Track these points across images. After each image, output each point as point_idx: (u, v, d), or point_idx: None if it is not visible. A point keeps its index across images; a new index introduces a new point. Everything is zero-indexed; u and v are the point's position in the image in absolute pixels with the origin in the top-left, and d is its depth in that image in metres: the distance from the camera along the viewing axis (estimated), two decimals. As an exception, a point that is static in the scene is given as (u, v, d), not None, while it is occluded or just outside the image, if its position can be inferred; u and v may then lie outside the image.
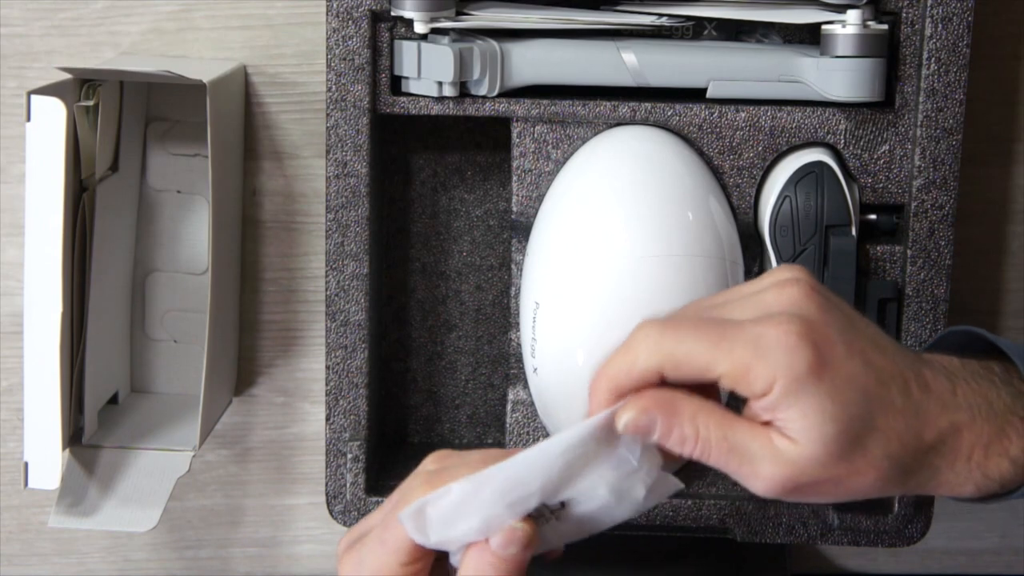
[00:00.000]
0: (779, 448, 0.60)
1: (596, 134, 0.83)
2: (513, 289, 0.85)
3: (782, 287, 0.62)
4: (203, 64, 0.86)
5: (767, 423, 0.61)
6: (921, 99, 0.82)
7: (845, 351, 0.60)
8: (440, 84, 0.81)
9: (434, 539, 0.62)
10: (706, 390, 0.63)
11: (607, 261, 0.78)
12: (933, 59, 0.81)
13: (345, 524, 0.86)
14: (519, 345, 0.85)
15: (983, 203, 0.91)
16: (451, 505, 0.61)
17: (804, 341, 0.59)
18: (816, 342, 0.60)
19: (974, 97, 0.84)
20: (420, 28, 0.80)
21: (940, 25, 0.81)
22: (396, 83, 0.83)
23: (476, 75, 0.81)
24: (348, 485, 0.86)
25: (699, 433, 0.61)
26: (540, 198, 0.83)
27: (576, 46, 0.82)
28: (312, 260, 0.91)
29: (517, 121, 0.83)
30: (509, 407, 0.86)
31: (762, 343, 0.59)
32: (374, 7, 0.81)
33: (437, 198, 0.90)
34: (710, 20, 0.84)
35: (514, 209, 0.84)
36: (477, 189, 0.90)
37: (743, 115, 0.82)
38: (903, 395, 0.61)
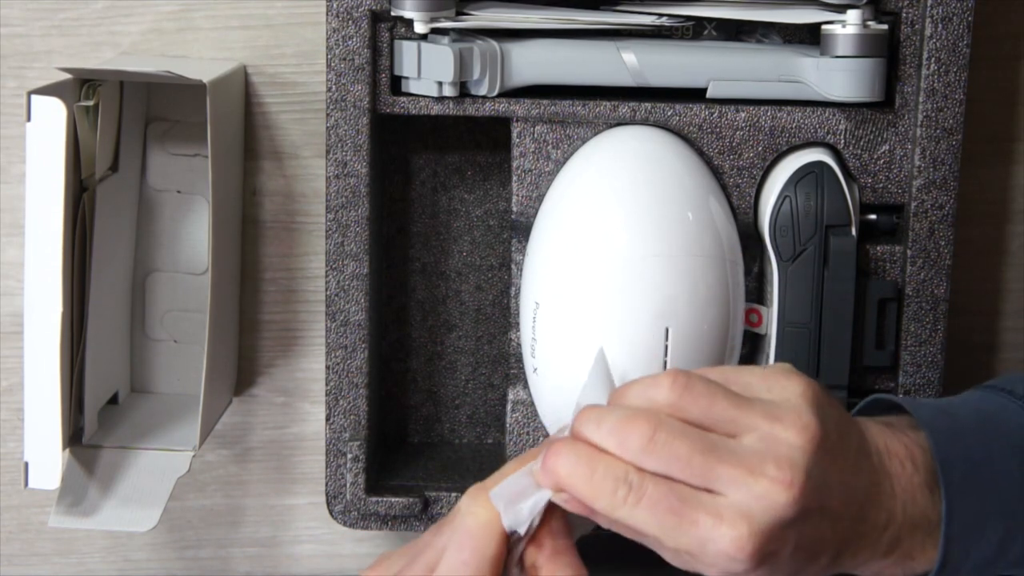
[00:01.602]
0: None
1: (596, 134, 0.83)
2: (513, 289, 0.85)
3: (774, 472, 0.61)
4: (203, 64, 0.86)
5: None
6: (921, 99, 0.82)
7: (793, 550, 0.62)
8: (440, 84, 0.81)
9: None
10: None
11: (607, 261, 0.79)
12: (933, 59, 0.81)
13: (345, 524, 0.86)
14: (519, 345, 0.85)
15: (983, 203, 0.91)
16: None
17: (748, 559, 0.61)
18: (763, 555, 0.61)
19: (974, 97, 0.84)
20: (420, 28, 0.80)
21: (940, 25, 0.81)
22: (396, 83, 0.83)
23: (476, 75, 0.81)
24: (348, 485, 0.86)
25: None
26: (540, 198, 0.83)
27: (576, 46, 0.82)
28: (312, 260, 0.91)
29: (517, 121, 0.83)
30: (509, 407, 0.86)
31: (708, 547, 0.61)
32: (374, 7, 0.81)
33: (437, 198, 0.90)
34: (710, 20, 0.84)
35: (514, 209, 0.84)
36: (477, 189, 0.90)
37: (743, 115, 0.82)
38: (832, 558, 0.64)
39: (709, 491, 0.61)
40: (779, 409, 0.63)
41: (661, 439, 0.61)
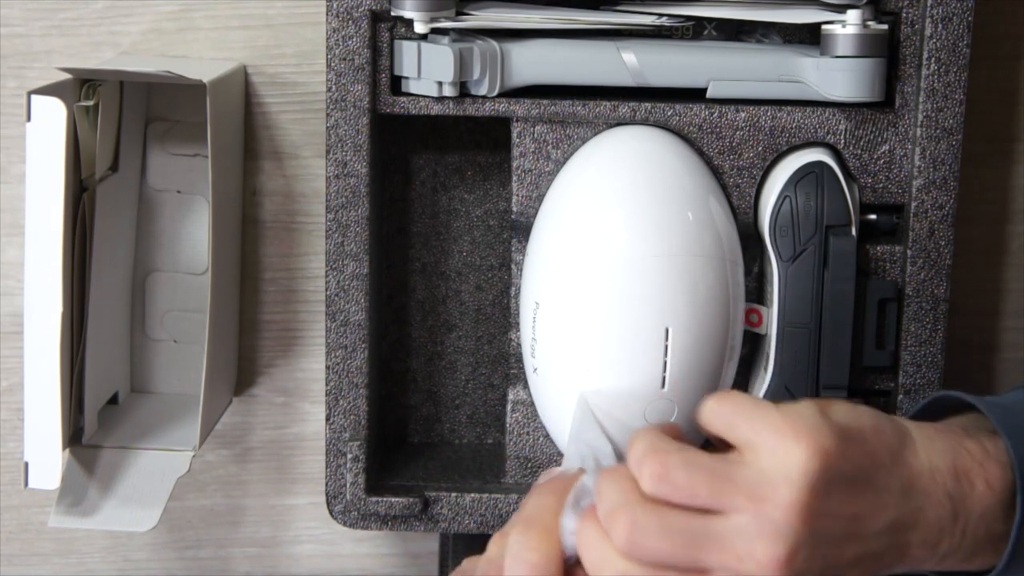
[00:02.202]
0: None
1: (596, 134, 0.83)
2: (513, 289, 0.85)
3: (759, 552, 0.60)
4: (203, 64, 0.86)
5: None
6: (921, 99, 0.82)
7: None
8: (440, 84, 0.81)
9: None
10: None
11: (607, 261, 0.78)
12: (933, 59, 0.81)
13: (345, 524, 0.86)
14: (519, 345, 0.85)
15: (983, 203, 0.91)
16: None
17: None
18: None
19: (974, 97, 0.84)
20: (420, 28, 0.80)
21: (940, 25, 0.81)
22: (396, 83, 0.83)
23: (476, 75, 0.81)
24: (348, 485, 0.86)
25: None
26: (540, 198, 0.83)
27: (576, 46, 0.82)
28: (312, 260, 0.91)
29: (517, 121, 0.83)
30: (509, 407, 0.86)
31: None
32: (374, 7, 0.81)
33: (437, 198, 0.90)
34: (710, 20, 0.84)
35: (514, 209, 0.84)
36: (477, 189, 0.90)
37: (743, 115, 0.82)
38: (873, 567, 0.63)
39: (701, 572, 0.61)
40: (768, 486, 0.61)
41: (639, 540, 0.61)
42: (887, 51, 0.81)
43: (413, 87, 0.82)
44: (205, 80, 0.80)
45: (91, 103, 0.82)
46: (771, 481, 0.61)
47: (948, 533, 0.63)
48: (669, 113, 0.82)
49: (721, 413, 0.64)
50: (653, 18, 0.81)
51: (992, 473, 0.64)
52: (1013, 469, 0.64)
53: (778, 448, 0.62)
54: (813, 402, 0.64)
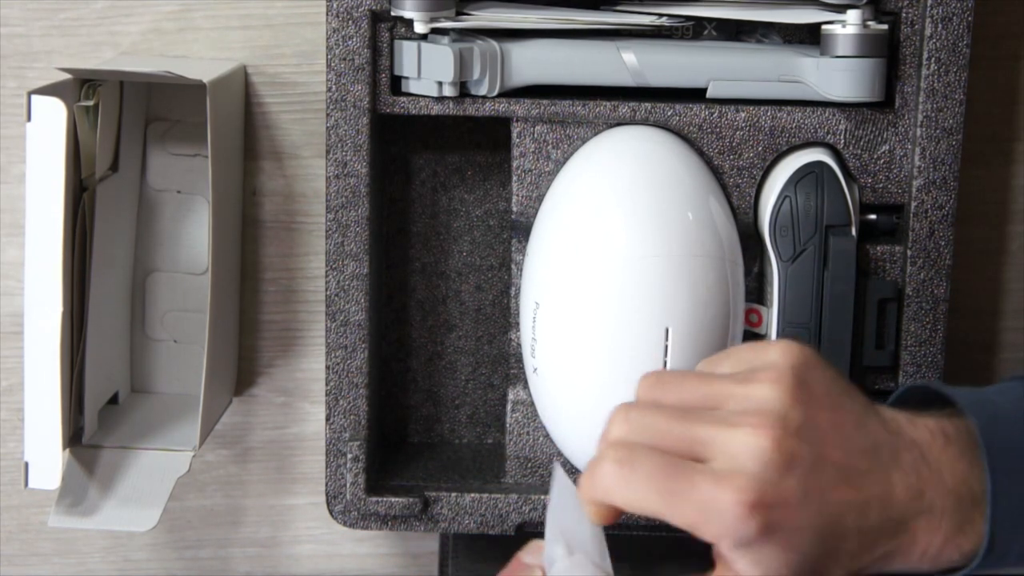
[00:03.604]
0: None
1: (596, 134, 0.83)
2: (513, 289, 0.85)
3: (755, 426, 0.61)
4: (203, 64, 0.86)
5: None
6: (921, 99, 0.82)
7: (800, 499, 0.61)
8: (440, 84, 0.81)
9: None
10: None
11: (607, 261, 0.79)
12: (933, 59, 0.81)
13: (345, 524, 0.86)
14: (519, 345, 0.85)
15: (983, 203, 0.91)
16: None
17: (753, 511, 0.60)
18: (767, 506, 0.60)
19: (974, 97, 0.84)
20: (420, 28, 0.80)
21: (940, 25, 0.81)
22: (396, 83, 0.83)
23: (476, 75, 0.81)
24: (348, 485, 0.86)
25: None
26: (540, 198, 0.83)
27: (576, 46, 0.82)
28: (312, 260, 0.91)
29: (517, 121, 0.83)
30: (509, 407, 0.86)
31: (711, 507, 0.60)
32: (374, 7, 0.81)
33: (437, 198, 0.90)
34: (710, 20, 0.84)
35: (514, 209, 0.84)
36: (477, 189, 0.90)
37: (743, 115, 0.82)
38: (860, 520, 0.62)
39: (698, 460, 0.61)
40: (755, 371, 0.64)
41: (634, 416, 0.63)
42: (887, 51, 0.81)
43: (413, 87, 0.82)
44: (205, 80, 0.80)
45: (91, 103, 0.82)
46: (756, 368, 0.64)
47: (926, 482, 0.63)
48: (669, 113, 0.82)
49: (705, 361, 0.67)
50: (653, 18, 0.81)
51: (948, 429, 0.65)
52: (977, 437, 0.64)
53: (759, 351, 0.65)
54: None
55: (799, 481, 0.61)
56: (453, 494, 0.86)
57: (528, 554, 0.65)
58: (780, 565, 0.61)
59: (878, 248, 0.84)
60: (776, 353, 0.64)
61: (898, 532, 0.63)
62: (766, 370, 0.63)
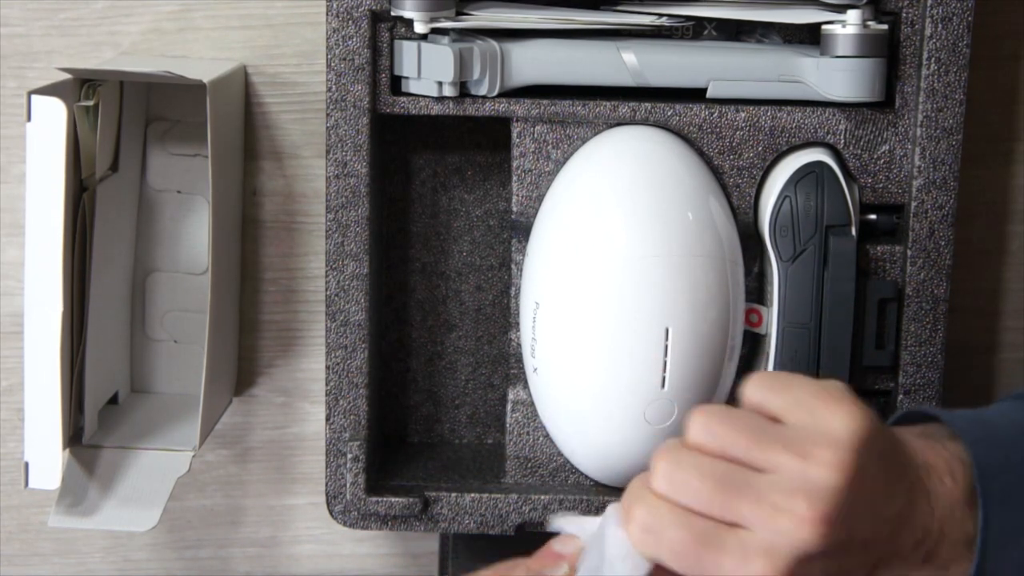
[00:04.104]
0: None
1: (596, 134, 0.83)
2: (513, 289, 0.85)
3: (791, 509, 0.59)
4: (203, 64, 0.86)
5: None
6: (921, 99, 0.82)
7: (822, 570, 0.61)
8: (440, 84, 0.81)
9: None
10: None
11: (607, 261, 0.79)
12: (933, 59, 0.81)
13: (345, 524, 0.86)
14: (519, 345, 0.85)
15: (983, 203, 0.91)
16: None
17: None
18: None
19: (974, 97, 0.84)
20: (420, 28, 0.80)
21: (940, 25, 0.81)
22: (396, 83, 0.83)
23: (476, 75, 0.81)
24: (348, 485, 0.86)
25: None
26: (540, 198, 0.83)
27: (576, 46, 0.82)
28: (312, 260, 0.91)
29: (517, 121, 0.83)
30: (509, 407, 0.86)
31: None
32: (374, 7, 0.81)
33: (437, 198, 0.90)
34: (710, 20, 0.84)
35: (514, 209, 0.84)
36: (477, 189, 0.90)
37: (743, 115, 0.82)
38: (873, 557, 0.62)
39: (734, 526, 0.60)
40: (813, 443, 0.60)
41: (679, 474, 0.61)
42: (887, 51, 0.81)
43: (413, 87, 0.82)
44: (205, 80, 0.80)
45: (91, 103, 0.82)
46: (814, 439, 0.60)
47: (931, 530, 0.63)
48: (669, 113, 0.82)
49: (760, 386, 0.64)
50: (653, 18, 0.81)
51: (956, 469, 0.64)
52: (971, 466, 0.64)
53: (821, 409, 0.61)
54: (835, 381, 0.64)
55: (824, 565, 0.60)
56: (453, 494, 0.86)
57: (560, 543, 0.65)
58: None
59: (878, 248, 0.84)
60: (840, 423, 0.61)
61: (889, 574, 0.64)
62: (826, 447, 0.60)
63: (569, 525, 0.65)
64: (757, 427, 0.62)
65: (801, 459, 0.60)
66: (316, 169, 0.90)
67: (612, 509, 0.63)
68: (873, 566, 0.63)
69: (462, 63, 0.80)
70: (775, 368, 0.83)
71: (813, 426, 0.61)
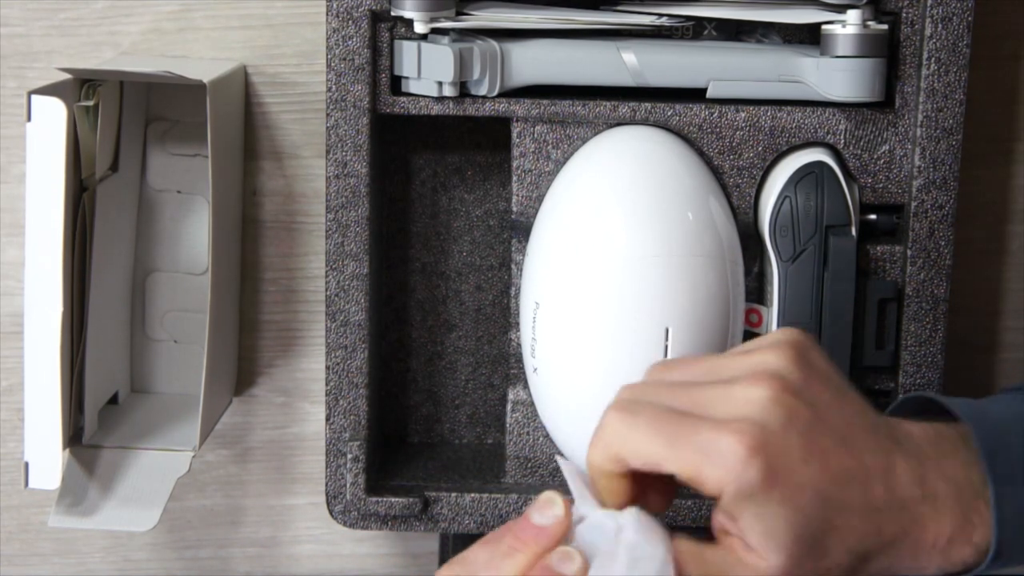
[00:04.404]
0: (746, 560, 0.61)
1: (596, 134, 0.83)
2: (513, 289, 0.85)
3: (756, 380, 0.62)
4: (203, 64, 0.86)
5: (733, 538, 0.62)
6: (921, 99, 0.82)
7: (802, 456, 0.61)
8: (440, 84, 0.81)
9: None
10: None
11: (607, 261, 0.79)
12: (933, 59, 0.81)
13: (345, 524, 0.86)
14: (519, 345, 0.85)
15: (983, 203, 0.91)
16: None
17: (755, 453, 0.60)
18: (768, 453, 0.60)
19: (974, 97, 0.84)
20: (420, 28, 0.80)
21: (940, 25, 0.81)
22: (396, 83, 0.83)
23: (476, 75, 0.81)
24: (348, 485, 0.86)
25: (676, 554, 0.62)
26: (540, 198, 0.83)
27: (576, 46, 0.82)
28: (312, 260, 0.91)
29: (517, 121, 0.83)
30: (509, 407, 0.86)
31: (712, 449, 0.60)
32: (374, 7, 0.81)
33: (437, 198, 0.90)
34: (710, 20, 0.84)
35: (514, 209, 0.84)
36: (477, 189, 0.90)
37: (743, 115, 0.82)
38: (863, 494, 0.62)
39: (700, 415, 0.62)
40: (755, 345, 0.65)
41: (639, 385, 0.65)
42: (887, 51, 0.81)
43: (413, 87, 0.82)
44: (205, 80, 0.80)
45: (91, 103, 0.82)
46: (757, 346, 0.65)
47: (927, 471, 0.64)
48: (669, 113, 0.82)
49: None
50: (653, 18, 0.81)
51: (943, 431, 0.65)
52: (975, 443, 0.64)
53: (758, 338, 0.66)
54: None
55: (799, 437, 0.61)
56: (453, 494, 0.86)
57: (539, 514, 0.64)
58: (782, 523, 0.60)
59: (878, 248, 0.84)
60: (778, 333, 0.65)
61: (903, 516, 0.63)
62: (767, 344, 0.64)
63: (570, 475, 0.65)
64: (709, 356, 0.66)
65: (747, 354, 0.64)
66: (316, 169, 0.90)
67: (632, 513, 0.63)
68: (870, 480, 0.62)
69: (462, 63, 0.80)
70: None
71: (757, 342, 0.66)
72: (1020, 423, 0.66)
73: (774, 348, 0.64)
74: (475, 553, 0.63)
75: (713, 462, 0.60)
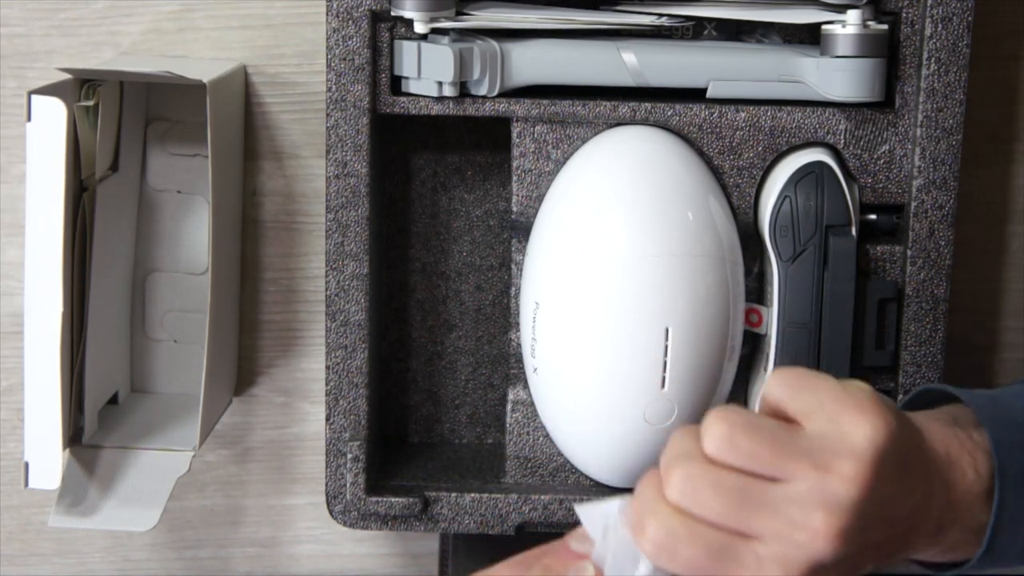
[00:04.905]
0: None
1: (596, 134, 0.83)
2: (513, 289, 0.85)
3: (820, 499, 0.59)
4: (203, 64, 0.86)
5: None
6: (921, 99, 0.82)
7: (841, 568, 0.60)
8: (440, 84, 0.81)
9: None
10: None
11: (607, 261, 0.79)
12: (933, 59, 0.81)
13: (345, 524, 0.86)
14: (519, 345, 0.85)
15: (983, 203, 0.91)
16: None
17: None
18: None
19: (974, 97, 0.84)
20: (420, 28, 0.80)
21: (940, 25, 0.81)
22: (396, 83, 0.83)
23: (476, 75, 0.81)
24: (348, 485, 0.86)
25: None
26: (540, 198, 0.83)
27: (576, 46, 0.82)
28: (312, 260, 0.91)
29: (517, 121, 0.83)
30: (509, 407, 0.86)
31: None
32: (374, 7, 0.81)
33: (437, 198, 0.90)
34: (710, 20, 0.84)
35: (514, 209, 0.84)
36: (477, 189, 0.90)
37: (743, 115, 0.82)
38: (886, 554, 0.62)
39: (748, 537, 0.59)
40: (833, 455, 0.60)
41: (692, 492, 0.60)
42: (887, 51, 0.81)
43: (413, 87, 0.82)
44: (205, 80, 0.80)
45: (91, 103, 0.82)
46: (835, 451, 0.60)
47: (946, 521, 0.63)
48: (669, 113, 0.82)
49: (782, 384, 0.62)
50: (653, 18, 0.81)
51: (980, 461, 0.64)
52: (992, 457, 0.64)
53: (843, 417, 0.60)
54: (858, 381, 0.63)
55: (836, 568, 0.60)
56: (453, 494, 0.86)
57: (577, 541, 0.64)
58: None
59: (878, 248, 0.84)
60: (861, 434, 0.60)
61: (895, 559, 0.64)
62: (847, 459, 0.60)
63: (589, 518, 0.64)
64: (776, 438, 0.60)
65: (821, 472, 0.59)
66: (316, 169, 0.90)
67: (622, 506, 0.62)
68: (882, 559, 0.63)
69: (462, 63, 0.80)
70: (775, 368, 0.82)
71: (834, 435, 0.60)
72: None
73: (852, 477, 0.59)
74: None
75: None
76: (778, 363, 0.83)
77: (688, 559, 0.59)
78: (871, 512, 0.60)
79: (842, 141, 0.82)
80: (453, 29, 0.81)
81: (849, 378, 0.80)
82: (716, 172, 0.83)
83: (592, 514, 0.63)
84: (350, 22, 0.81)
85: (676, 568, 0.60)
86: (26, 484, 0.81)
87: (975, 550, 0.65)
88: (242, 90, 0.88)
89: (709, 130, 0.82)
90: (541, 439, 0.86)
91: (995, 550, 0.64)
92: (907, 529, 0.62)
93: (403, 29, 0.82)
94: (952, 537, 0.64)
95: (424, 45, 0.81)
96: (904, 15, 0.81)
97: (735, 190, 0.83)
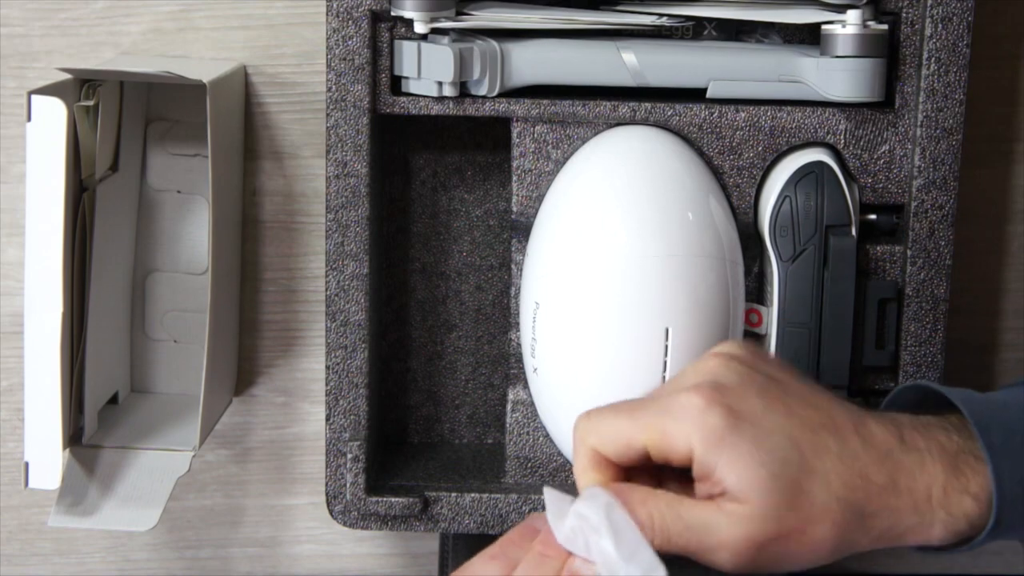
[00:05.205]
0: (729, 511, 0.62)
1: (596, 134, 0.83)
2: (513, 289, 0.85)
3: (703, 361, 0.65)
4: (203, 64, 0.86)
5: (713, 497, 0.63)
6: (921, 99, 0.82)
7: (763, 405, 0.63)
8: (440, 84, 0.81)
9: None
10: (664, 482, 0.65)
11: (607, 261, 0.79)
12: (933, 59, 0.81)
13: (345, 524, 0.86)
14: (519, 345, 0.85)
15: (983, 203, 0.91)
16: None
17: (714, 402, 0.62)
18: (727, 402, 0.62)
19: (974, 97, 0.84)
20: (420, 28, 0.80)
21: (940, 25, 0.81)
22: (396, 83, 0.83)
23: (476, 75, 0.81)
24: (348, 485, 0.86)
25: (652, 516, 0.62)
26: (540, 198, 0.83)
27: (576, 46, 0.82)
28: (312, 260, 0.91)
29: (517, 121, 0.83)
30: (509, 407, 0.86)
31: (673, 407, 0.63)
32: (374, 7, 0.81)
33: (437, 198, 0.90)
34: (710, 20, 0.84)
35: (514, 209, 0.84)
36: (477, 189, 0.90)
37: (743, 115, 0.82)
38: (837, 440, 0.63)
39: None
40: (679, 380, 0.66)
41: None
42: (887, 51, 0.81)
43: (413, 87, 0.82)
44: (205, 80, 0.80)
45: (91, 103, 0.82)
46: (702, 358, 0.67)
47: (907, 432, 0.65)
48: (669, 113, 0.82)
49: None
50: (653, 18, 0.81)
51: (932, 424, 0.66)
52: (971, 425, 0.65)
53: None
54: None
55: (757, 394, 0.63)
56: (453, 494, 0.86)
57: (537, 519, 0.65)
58: (755, 462, 0.61)
59: (878, 248, 0.84)
60: (714, 350, 0.68)
61: (886, 463, 0.63)
62: (704, 358, 0.67)
63: (555, 503, 0.64)
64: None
65: (699, 363, 0.67)
66: (316, 169, 0.90)
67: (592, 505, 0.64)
68: (836, 426, 0.63)
69: (462, 63, 0.80)
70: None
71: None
72: (1016, 402, 0.66)
73: (711, 354, 0.66)
74: (482, 566, 0.64)
75: (674, 418, 0.62)
76: (778, 363, 0.83)
77: (609, 418, 0.65)
78: (764, 369, 0.65)
79: (842, 141, 0.82)
80: (453, 29, 0.81)
81: (847, 379, 0.81)
82: (716, 172, 0.83)
83: (557, 499, 0.65)
84: (350, 22, 0.81)
85: (608, 435, 0.65)
86: (26, 484, 0.81)
87: (985, 491, 0.64)
88: (242, 90, 0.88)
89: (709, 130, 0.82)
90: (541, 439, 0.86)
91: (1004, 519, 0.64)
92: (856, 424, 0.64)
93: (403, 29, 0.82)
94: (954, 484, 0.64)
95: (424, 45, 0.81)
96: (904, 15, 0.81)
97: (735, 190, 0.83)
